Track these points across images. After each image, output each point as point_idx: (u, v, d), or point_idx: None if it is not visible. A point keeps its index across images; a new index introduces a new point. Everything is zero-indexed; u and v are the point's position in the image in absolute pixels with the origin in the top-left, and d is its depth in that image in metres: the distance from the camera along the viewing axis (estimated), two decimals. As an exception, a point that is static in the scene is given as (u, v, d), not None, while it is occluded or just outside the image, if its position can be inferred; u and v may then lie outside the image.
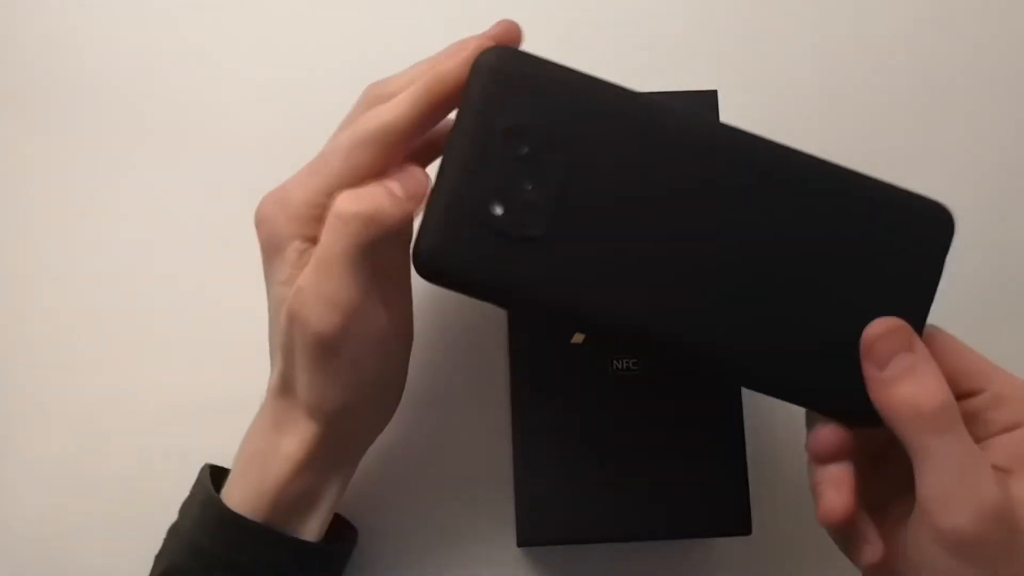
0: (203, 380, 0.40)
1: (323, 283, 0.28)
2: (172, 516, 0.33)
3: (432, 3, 0.43)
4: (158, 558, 0.33)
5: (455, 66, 0.28)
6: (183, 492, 0.34)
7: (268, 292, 0.31)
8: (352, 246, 0.28)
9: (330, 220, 0.28)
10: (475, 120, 0.27)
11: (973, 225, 0.42)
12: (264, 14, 0.43)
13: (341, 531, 0.36)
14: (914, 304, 0.28)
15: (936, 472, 0.25)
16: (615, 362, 0.35)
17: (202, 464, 0.34)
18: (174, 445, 0.39)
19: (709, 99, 0.37)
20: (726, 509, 0.35)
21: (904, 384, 0.26)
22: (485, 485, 0.39)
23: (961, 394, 0.28)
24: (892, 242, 0.28)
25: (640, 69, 0.43)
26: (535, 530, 0.35)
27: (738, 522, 0.34)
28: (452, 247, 0.27)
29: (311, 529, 0.32)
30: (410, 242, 0.28)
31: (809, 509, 0.40)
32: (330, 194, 0.29)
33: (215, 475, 0.33)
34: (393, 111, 0.28)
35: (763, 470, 0.39)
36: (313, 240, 0.29)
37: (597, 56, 0.43)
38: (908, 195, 0.29)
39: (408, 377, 0.35)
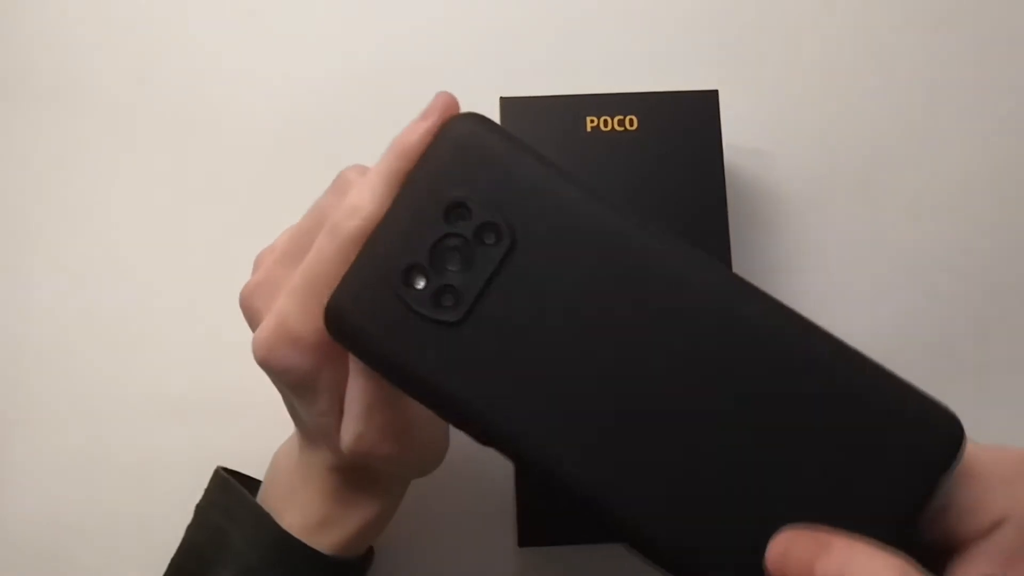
0: (204, 380, 0.40)
1: (383, 417, 0.27)
2: (173, 516, 0.33)
3: (432, 4, 0.43)
4: (189, 562, 0.32)
5: (419, 139, 0.26)
6: (183, 492, 0.33)
7: (302, 421, 0.30)
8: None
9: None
10: (422, 185, 0.25)
11: (973, 224, 0.43)
12: (265, 14, 0.43)
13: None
14: (888, 525, 0.23)
15: None
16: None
17: (202, 464, 0.34)
18: (175, 445, 0.39)
19: (709, 99, 0.37)
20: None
21: None
22: (485, 485, 0.39)
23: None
24: (878, 446, 0.23)
25: (640, 69, 0.43)
26: (536, 530, 0.35)
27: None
28: (360, 310, 0.25)
29: (357, 554, 0.33)
30: None
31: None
32: None
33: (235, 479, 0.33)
34: (367, 203, 0.26)
35: (763, 470, 0.39)
36: (333, 364, 0.27)
37: (597, 56, 0.43)
38: (916, 398, 0.23)
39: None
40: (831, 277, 0.41)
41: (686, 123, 0.37)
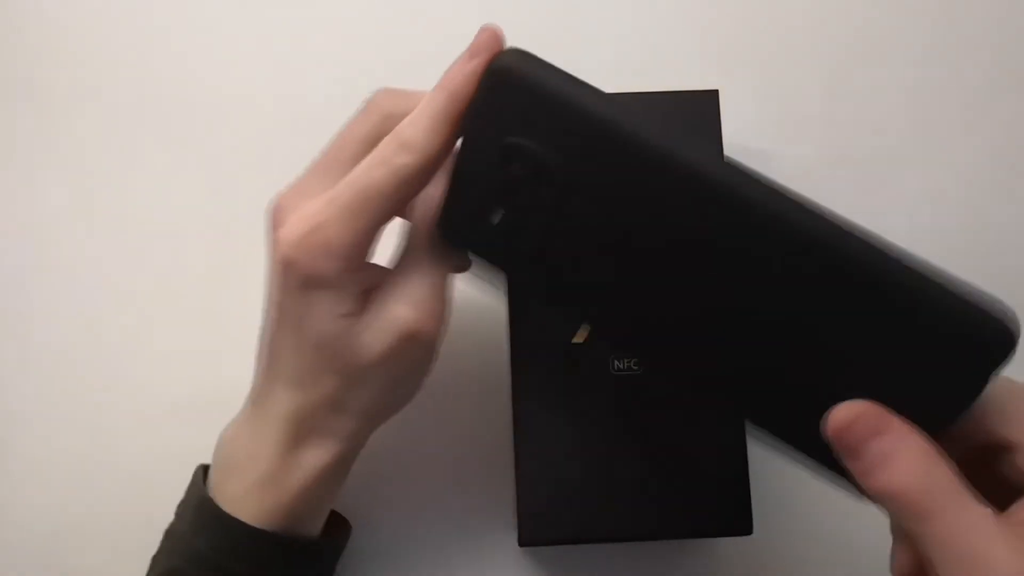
0: (204, 381, 0.40)
1: (430, 295, 0.30)
2: (172, 517, 0.33)
3: (433, 5, 0.43)
4: (155, 559, 0.33)
5: (467, 80, 0.27)
6: (183, 493, 0.34)
7: (310, 324, 0.29)
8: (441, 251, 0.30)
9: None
10: (477, 130, 0.28)
11: (973, 223, 0.43)
12: (266, 13, 0.43)
13: (334, 525, 0.36)
14: (938, 412, 0.25)
15: (936, 556, 0.23)
16: (615, 362, 0.35)
17: (199, 464, 0.34)
18: (175, 445, 0.39)
19: (709, 99, 0.37)
20: (727, 509, 0.35)
21: (881, 473, 0.23)
22: (485, 485, 0.39)
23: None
24: (931, 347, 0.25)
25: (640, 69, 0.43)
26: (536, 530, 0.35)
27: (739, 522, 0.34)
28: (461, 236, 0.29)
29: (315, 528, 0.33)
30: None
31: (809, 509, 0.40)
32: (376, 233, 0.29)
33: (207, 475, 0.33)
34: (420, 141, 0.28)
35: (764, 470, 0.38)
36: (363, 285, 0.30)
37: (597, 56, 0.43)
38: (969, 304, 0.25)
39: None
40: (831, 277, 0.41)
41: (686, 123, 0.37)
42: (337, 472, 0.32)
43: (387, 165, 0.28)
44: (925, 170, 0.43)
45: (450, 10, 0.43)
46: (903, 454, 0.23)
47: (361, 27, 0.43)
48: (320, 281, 0.28)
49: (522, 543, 0.35)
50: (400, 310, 0.29)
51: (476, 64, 0.27)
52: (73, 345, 0.41)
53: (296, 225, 0.28)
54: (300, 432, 0.31)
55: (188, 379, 0.40)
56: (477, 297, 0.40)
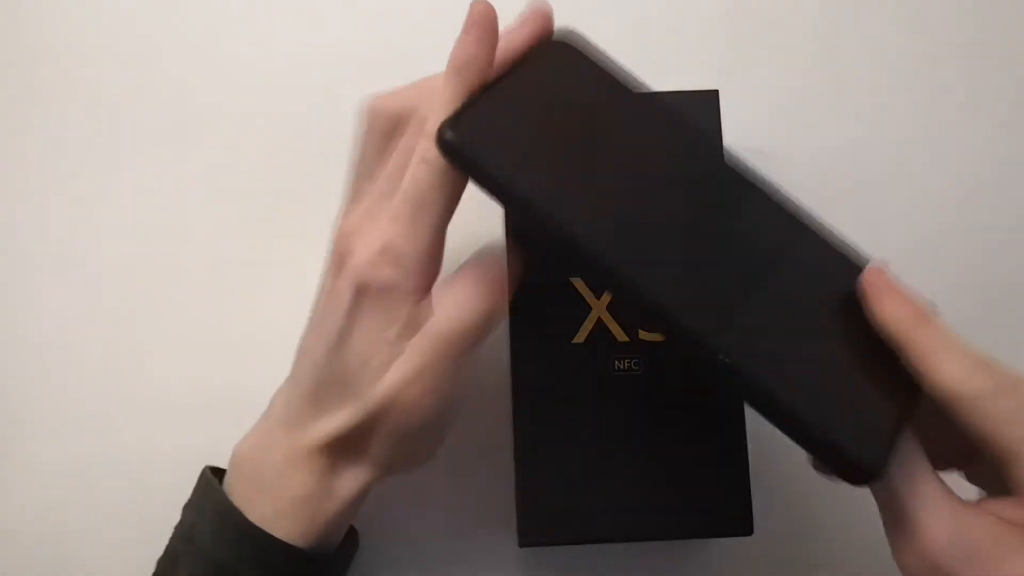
0: (205, 379, 0.40)
1: (435, 380, 0.29)
2: (173, 517, 0.33)
3: (433, 6, 0.43)
4: (166, 564, 0.32)
5: (523, 42, 0.31)
6: (184, 493, 0.33)
7: (356, 338, 0.30)
8: (467, 345, 0.30)
9: (441, 329, 0.29)
10: (527, 80, 0.30)
11: (974, 223, 0.43)
12: (267, 15, 0.43)
13: (347, 536, 0.36)
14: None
15: (937, 356, 0.26)
16: (616, 362, 0.35)
17: (202, 465, 0.34)
18: (176, 445, 0.39)
19: (709, 99, 0.37)
20: (727, 509, 0.35)
21: (895, 295, 0.28)
22: (485, 485, 0.39)
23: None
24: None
25: (640, 69, 0.43)
26: (537, 530, 0.34)
27: (739, 522, 0.34)
28: (468, 144, 0.28)
29: (334, 543, 0.33)
30: None
31: (809, 509, 0.40)
32: (441, 233, 0.30)
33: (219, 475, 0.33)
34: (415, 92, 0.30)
35: (764, 470, 0.38)
36: (427, 290, 0.30)
37: (597, 56, 0.43)
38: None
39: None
40: (831, 277, 0.41)
41: (686, 123, 0.37)
42: (363, 500, 0.32)
43: (426, 160, 0.29)
44: (925, 170, 0.43)
45: (451, 16, 0.43)
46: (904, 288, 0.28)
47: (361, 27, 0.43)
48: (389, 294, 0.29)
49: (522, 543, 0.35)
50: (394, 379, 0.29)
51: (525, 33, 0.31)
52: (73, 345, 0.41)
53: (368, 247, 0.29)
54: (335, 459, 0.31)
55: (189, 379, 0.40)
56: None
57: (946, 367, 0.26)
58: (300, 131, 0.42)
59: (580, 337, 0.35)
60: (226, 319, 0.41)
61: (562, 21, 0.44)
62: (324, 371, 0.30)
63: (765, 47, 0.44)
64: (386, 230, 0.29)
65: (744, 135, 0.42)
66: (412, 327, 0.29)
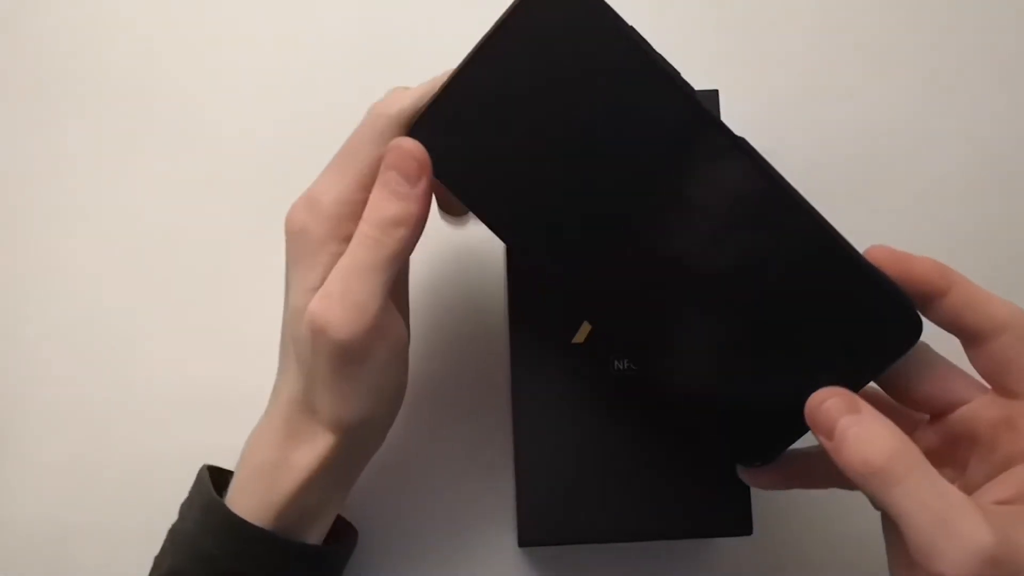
0: (205, 379, 0.40)
1: (352, 291, 0.28)
2: (173, 516, 0.33)
3: (432, 4, 0.43)
4: (159, 559, 0.32)
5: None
6: (184, 492, 0.34)
7: (288, 298, 0.30)
8: (387, 256, 0.28)
9: (363, 229, 0.28)
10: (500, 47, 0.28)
11: (973, 223, 0.42)
12: (268, 18, 0.43)
13: (341, 531, 0.36)
14: (851, 378, 0.28)
15: (911, 524, 0.24)
16: (615, 362, 0.35)
17: (203, 462, 0.34)
18: (175, 445, 0.39)
19: (709, 99, 0.37)
20: (727, 509, 0.35)
21: (851, 444, 0.25)
22: (485, 485, 0.39)
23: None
24: (855, 320, 0.29)
25: (640, 69, 0.43)
26: (536, 530, 0.35)
27: (739, 522, 0.34)
28: (439, 143, 0.29)
29: (313, 535, 0.32)
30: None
31: (809, 509, 0.40)
32: (361, 188, 0.29)
33: (214, 476, 0.33)
34: (414, 92, 0.29)
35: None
36: (347, 239, 0.29)
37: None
38: (893, 289, 0.28)
39: (409, 377, 0.35)
40: (831, 277, 0.41)
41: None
42: (326, 478, 0.31)
43: (372, 117, 0.30)
44: (925, 170, 0.43)
45: (451, 17, 0.43)
46: (871, 427, 0.26)
47: (360, 27, 0.43)
48: (306, 246, 0.29)
49: (522, 543, 0.35)
50: (311, 300, 0.29)
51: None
52: (73, 345, 0.41)
53: (298, 199, 0.30)
54: (291, 427, 0.31)
55: (188, 378, 0.40)
56: (477, 297, 0.40)
57: (982, 297, 0.27)
58: (298, 133, 0.42)
59: (580, 337, 0.35)
60: (226, 319, 0.41)
61: (562, 21, 0.44)
62: (282, 334, 0.31)
63: (764, 47, 0.44)
64: (316, 182, 0.30)
65: (744, 135, 0.42)
66: (324, 274, 0.29)
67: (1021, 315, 0.27)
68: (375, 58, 0.43)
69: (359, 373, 0.29)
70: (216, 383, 0.40)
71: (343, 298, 0.28)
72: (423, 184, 0.28)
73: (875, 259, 0.28)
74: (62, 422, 0.40)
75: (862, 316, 0.28)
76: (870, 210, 0.42)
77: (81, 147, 0.42)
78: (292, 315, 0.30)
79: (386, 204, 0.28)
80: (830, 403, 0.27)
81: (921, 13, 0.44)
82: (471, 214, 0.30)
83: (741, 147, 0.29)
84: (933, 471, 0.25)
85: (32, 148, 0.42)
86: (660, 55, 0.30)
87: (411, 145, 0.28)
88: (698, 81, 0.39)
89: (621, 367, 0.35)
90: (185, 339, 0.41)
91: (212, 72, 0.43)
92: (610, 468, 0.35)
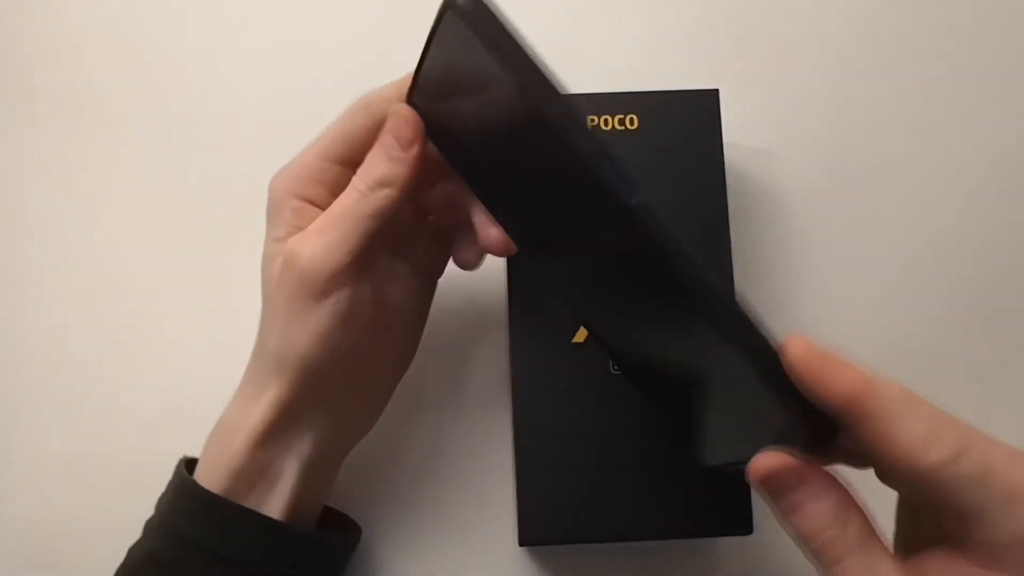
0: (204, 380, 0.40)
1: (328, 231, 0.30)
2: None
3: (432, 5, 0.43)
4: (132, 550, 0.32)
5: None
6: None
7: (263, 253, 0.32)
8: (369, 210, 0.30)
9: (354, 183, 0.31)
10: (439, 52, 0.29)
11: (974, 222, 0.42)
12: (268, 14, 0.43)
13: (344, 527, 0.35)
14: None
15: None
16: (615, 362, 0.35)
17: None
18: (176, 445, 0.39)
19: (709, 99, 0.37)
20: (727, 509, 0.35)
21: (798, 517, 0.26)
22: (485, 485, 0.39)
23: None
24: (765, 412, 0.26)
25: (640, 69, 0.43)
26: (536, 530, 0.35)
27: (739, 522, 0.34)
28: (429, 110, 0.31)
29: (270, 508, 0.31)
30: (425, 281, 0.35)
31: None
32: (327, 157, 0.32)
33: (191, 464, 0.33)
34: (386, 87, 0.32)
35: (764, 470, 0.38)
36: (309, 200, 0.32)
37: (598, 56, 0.43)
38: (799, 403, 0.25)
39: (408, 377, 0.35)
40: (832, 276, 0.41)
41: (686, 123, 0.37)
42: (277, 434, 0.31)
43: (362, 103, 0.32)
44: (925, 170, 0.43)
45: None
46: (819, 503, 0.25)
47: (358, 28, 0.43)
48: (274, 203, 0.32)
49: (522, 543, 0.35)
50: (308, 227, 0.31)
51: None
52: (73, 346, 0.41)
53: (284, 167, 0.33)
54: (245, 386, 0.32)
55: (189, 379, 0.40)
56: (477, 296, 0.40)
57: (901, 439, 0.23)
58: (296, 136, 0.42)
59: (579, 337, 0.35)
60: (224, 321, 0.40)
61: (562, 21, 0.44)
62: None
63: (765, 47, 0.44)
64: (303, 152, 0.33)
65: (744, 135, 0.42)
66: (293, 224, 0.32)
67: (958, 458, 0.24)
68: (376, 60, 0.43)
69: (311, 312, 0.30)
70: (216, 383, 0.40)
71: (317, 235, 0.30)
72: (415, 149, 0.30)
73: (792, 357, 0.24)
74: (60, 424, 0.40)
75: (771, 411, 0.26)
76: (870, 210, 0.42)
77: (78, 153, 0.42)
78: (262, 262, 0.32)
79: (378, 164, 0.30)
80: (782, 472, 0.25)
81: (922, 13, 0.44)
82: (484, 259, 0.34)
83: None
84: (873, 546, 0.25)
85: (31, 152, 0.42)
86: (538, 81, 0.27)
87: (407, 112, 0.31)
88: (698, 81, 0.39)
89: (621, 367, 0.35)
90: (185, 339, 0.41)
91: (211, 75, 0.43)
92: (610, 468, 0.35)
